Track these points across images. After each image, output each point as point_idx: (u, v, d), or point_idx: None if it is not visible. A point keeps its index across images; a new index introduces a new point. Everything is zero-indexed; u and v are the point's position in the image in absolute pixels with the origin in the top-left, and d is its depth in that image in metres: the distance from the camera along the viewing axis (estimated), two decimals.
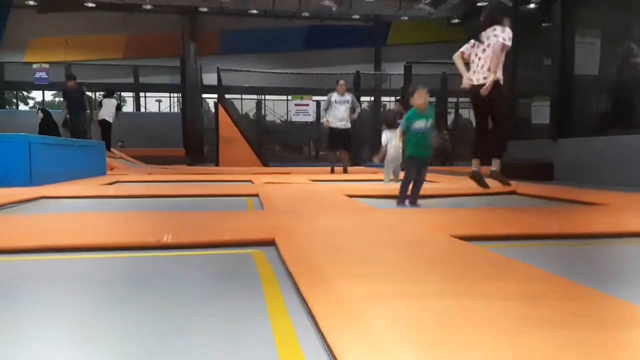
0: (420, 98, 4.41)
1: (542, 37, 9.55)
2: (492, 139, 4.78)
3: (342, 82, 9.68)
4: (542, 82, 9.37)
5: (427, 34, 24.99)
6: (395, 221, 3.30)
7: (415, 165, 4.40)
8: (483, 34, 4.71)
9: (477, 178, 4.96)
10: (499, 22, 4.64)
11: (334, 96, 9.71)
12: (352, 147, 10.03)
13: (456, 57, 4.94)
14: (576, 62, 8.60)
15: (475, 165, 4.91)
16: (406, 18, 23.57)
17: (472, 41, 4.81)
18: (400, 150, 7.34)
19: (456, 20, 23.72)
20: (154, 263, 2.37)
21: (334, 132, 9.65)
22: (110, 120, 12.56)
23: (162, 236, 2.68)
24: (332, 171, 9.96)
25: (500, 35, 4.57)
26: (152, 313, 1.67)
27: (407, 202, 4.45)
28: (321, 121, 9.97)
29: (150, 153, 15.90)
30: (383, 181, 7.45)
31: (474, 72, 4.66)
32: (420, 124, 4.38)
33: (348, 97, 9.60)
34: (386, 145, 7.04)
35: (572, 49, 8.64)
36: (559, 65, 8.67)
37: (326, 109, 9.73)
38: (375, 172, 10.26)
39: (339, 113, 9.51)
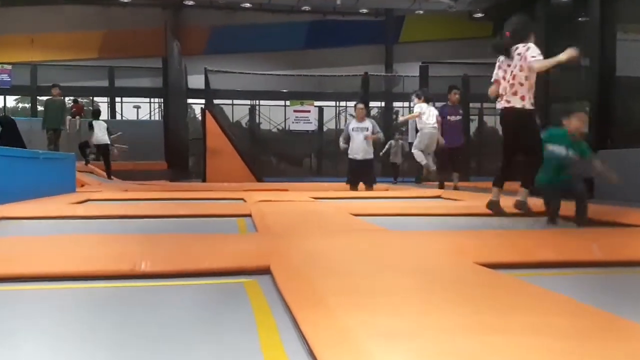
0: (578, 122, 4.59)
1: (578, 34, 9.59)
2: (520, 168, 4.82)
3: (360, 106, 9.75)
4: (579, 84, 9.40)
5: (446, 30, 25.17)
6: (409, 244, 3.31)
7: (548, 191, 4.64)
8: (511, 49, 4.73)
9: (495, 209, 4.97)
10: (524, 40, 4.65)
11: (352, 123, 9.80)
12: (374, 178, 9.95)
13: (491, 92, 4.91)
14: (618, 62, 8.61)
15: (494, 194, 4.92)
16: (421, 12, 23.77)
17: (501, 58, 4.82)
18: (435, 135, 9.06)
19: (479, 15, 23.87)
20: (128, 295, 2.35)
21: (353, 164, 9.66)
22: (107, 142, 12.94)
23: (138, 263, 2.67)
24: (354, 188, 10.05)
25: (524, 55, 4.58)
26: (122, 354, 1.65)
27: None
28: (341, 146, 9.92)
29: (126, 167, 15.84)
30: (423, 162, 9.06)
31: (502, 94, 4.67)
32: (559, 149, 4.54)
33: (367, 123, 9.63)
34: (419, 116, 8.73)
35: (613, 46, 8.66)
36: (598, 66, 8.69)
37: (346, 140, 9.74)
38: (386, 188, 10.27)
39: (357, 142, 9.51)
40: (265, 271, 2.63)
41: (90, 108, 18.85)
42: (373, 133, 9.56)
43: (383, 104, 23.72)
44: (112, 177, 12.99)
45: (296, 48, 25.27)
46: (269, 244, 3.29)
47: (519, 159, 4.80)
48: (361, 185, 9.76)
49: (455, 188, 9.43)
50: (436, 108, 9.69)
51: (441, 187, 9.70)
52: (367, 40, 25.56)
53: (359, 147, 9.47)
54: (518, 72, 4.59)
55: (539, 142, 4.59)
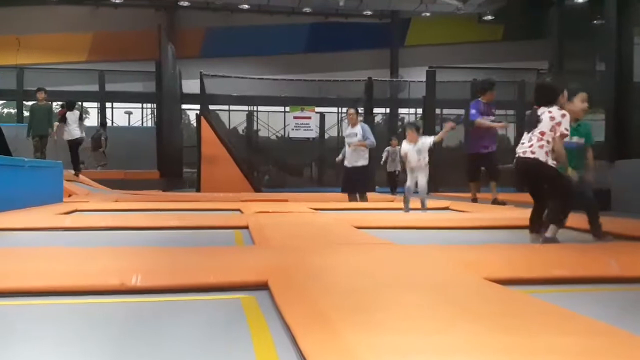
0: (581, 102, 4.70)
1: (594, 38, 9.62)
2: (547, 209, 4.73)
3: (350, 111, 9.87)
4: (594, 91, 9.40)
5: (454, 33, 25.34)
6: (416, 259, 3.30)
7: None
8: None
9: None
10: (552, 103, 4.66)
11: (345, 130, 10.01)
12: (369, 186, 10.03)
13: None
14: (636, 68, 8.63)
15: (533, 239, 4.70)
16: (428, 14, 23.93)
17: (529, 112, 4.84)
18: (426, 161, 7.91)
19: (488, 17, 24.01)
20: (117, 311, 2.33)
21: (345, 172, 9.79)
22: (81, 135, 12.79)
23: (129, 278, 2.65)
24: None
25: (549, 117, 4.50)
26: None
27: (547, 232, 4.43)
28: (337, 159, 10.10)
29: (117, 176, 15.94)
30: (402, 210, 7.55)
31: (521, 142, 4.65)
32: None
33: (357, 128, 9.65)
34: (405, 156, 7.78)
35: (630, 51, 8.68)
36: (614, 71, 8.70)
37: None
38: (392, 199, 10.24)
39: (348, 149, 9.65)
40: (263, 286, 2.62)
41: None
42: (364, 139, 9.53)
43: (388, 110, 23.73)
44: (79, 174, 12.79)
45: (296, 51, 25.44)
46: (267, 258, 3.28)
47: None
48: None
49: (498, 202, 8.79)
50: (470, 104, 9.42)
51: (474, 200, 9.37)
52: (371, 43, 25.73)
53: (350, 154, 9.57)
54: (549, 131, 4.47)
55: (561, 186, 4.47)
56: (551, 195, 4.53)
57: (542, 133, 4.40)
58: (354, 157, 9.51)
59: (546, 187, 4.55)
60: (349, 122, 9.80)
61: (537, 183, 4.62)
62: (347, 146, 9.65)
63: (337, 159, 10.01)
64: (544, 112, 4.47)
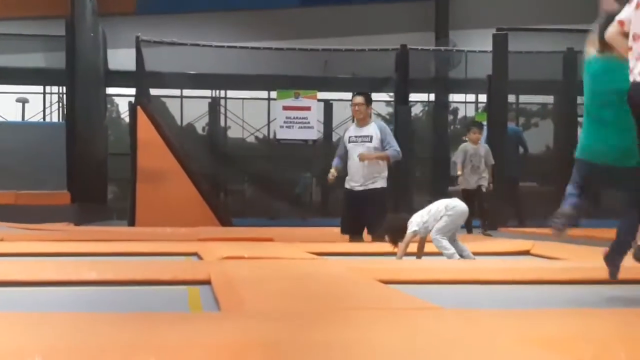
0: None
1: None
2: None
3: (357, 100, 8.16)
4: None
5: None
6: (478, 334, 2.83)
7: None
8: None
9: None
10: None
11: (350, 130, 8.43)
12: (384, 221, 7.24)
13: (612, 34, 4.25)
14: None
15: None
16: None
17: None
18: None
19: None
20: None
21: (349, 197, 8.11)
22: None
23: None
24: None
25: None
26: None
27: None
28: (329, 177, 8.36)
29: (3, 200, 13.61)
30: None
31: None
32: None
33: (371, 129, 8.01)
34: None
35: None
36: None
37: (343, 159, 8.25)
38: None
39: (354, 162, 7.99)
40: None
41: None
42: (383, 147, 7.87)
43: (432, 95, 19.62)
44: None
45: (288, 4, 21.74)
46: (244, 335, 2.81)
47: None
48: None
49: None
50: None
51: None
52: None
53: (357, 170, 7.91)
54: None
55: None
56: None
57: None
58: (366, 175, 7.80)
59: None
60: (354, 119, 8.22)
61: None
62: (349, 157, 8.03)
63: (329, 177, 8.31)
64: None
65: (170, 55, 16.58)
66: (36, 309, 3.79)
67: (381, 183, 7.94)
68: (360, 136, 8.05)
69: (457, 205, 6.50)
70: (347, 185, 8.07)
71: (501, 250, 7.68)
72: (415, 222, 6.26)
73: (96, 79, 16.65)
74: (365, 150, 7.90)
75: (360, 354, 2.51)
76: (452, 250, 6.31)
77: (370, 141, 7.92)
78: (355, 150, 8.00)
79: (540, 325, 3.06)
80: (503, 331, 2.92)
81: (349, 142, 8.17)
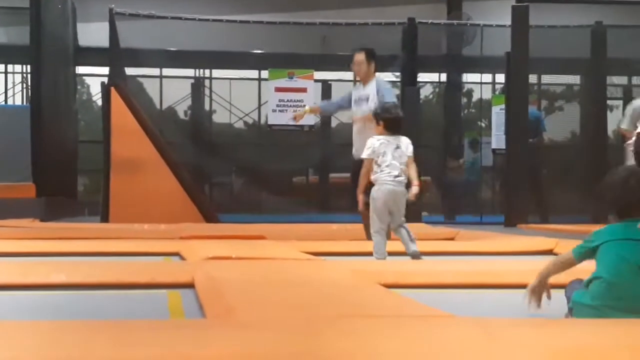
0: None
1: None
2: None
3: (358, 58, 8.05)
4: None
5: None
6: (497, 348, 2.71)
7: None
8: None
9: None
10: None
11: (355, 90, 8.48)
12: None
13: None
14: None
15: None
16: None
17: None
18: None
19: None
20: None
21: (353, 165, 8.01)
22: None
23: None
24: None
25: None
26: None
27: None
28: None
29: None
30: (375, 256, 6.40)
31: None
32: None
33: (370, 88, 7.97)
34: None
35: None
36: None
37: (333, 103, 8.40)
38: (454, 234, 9.35)
39: (354, 128, 8.12)
40: None
41: None
42: (379, 98, 7.68)
43: (443, 76, 19.71)
44: None
45: None
46: (232, 350, 2.71)
47: None
48: None
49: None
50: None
51: None
52: None
53: (355, 139, 7.95)
54: None
55: None
56: None
57: None
58: (359, 149, 7.42)
59: None
60: (357, 76, 8.08)
61: None
62: (355, 122, 7.99)
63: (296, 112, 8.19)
64: None
65: (148, 30, 15.94)
66: None
67: None
68: (360, 97, 8.05)
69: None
70: (354, 154, 7.93)
71: (521, 249, 7.60)
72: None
73: (64, 56, 16.34)
74: (365, 108, 7.81)
75: None
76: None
77: (368, 101, 7.86)
78: (357, 109, 8.05)
79: (567, 336, 3.00)
80: (525, 342, 2.83)
81: (354, 103, 8.18)
